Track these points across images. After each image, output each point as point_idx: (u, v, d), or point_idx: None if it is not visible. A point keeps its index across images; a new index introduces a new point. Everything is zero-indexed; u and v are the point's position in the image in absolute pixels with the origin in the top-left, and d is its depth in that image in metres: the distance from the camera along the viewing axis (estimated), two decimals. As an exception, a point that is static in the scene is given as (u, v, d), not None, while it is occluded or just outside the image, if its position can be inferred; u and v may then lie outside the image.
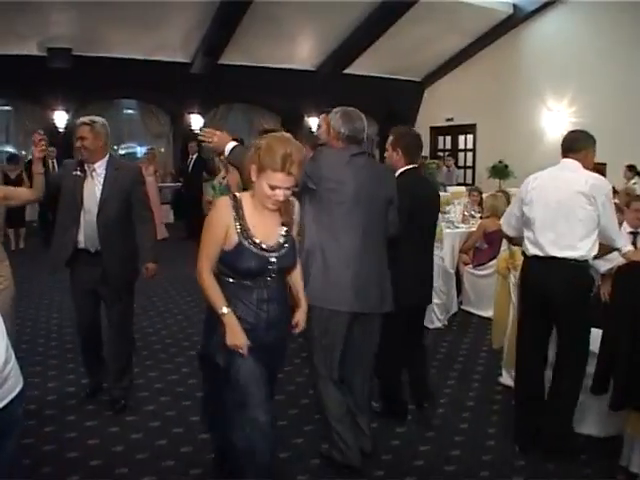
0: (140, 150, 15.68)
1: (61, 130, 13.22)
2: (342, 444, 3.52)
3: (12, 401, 2.03)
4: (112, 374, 4.42)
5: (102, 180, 4.14)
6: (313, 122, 14.14)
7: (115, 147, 15.70)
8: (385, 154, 4.22)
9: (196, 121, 14.55)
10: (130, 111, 15.68)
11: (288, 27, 12.43)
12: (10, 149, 14.46)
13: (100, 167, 4.15)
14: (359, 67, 14.45)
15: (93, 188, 4.11)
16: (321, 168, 3.44)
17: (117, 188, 4.13)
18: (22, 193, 4.35)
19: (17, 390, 2.07)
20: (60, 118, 13.32)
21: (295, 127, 12.40)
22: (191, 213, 12.54)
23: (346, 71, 14.59)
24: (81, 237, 4.13)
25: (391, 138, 4.14)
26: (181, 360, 5.42)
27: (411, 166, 4.04)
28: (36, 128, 13.46)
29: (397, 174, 3.98)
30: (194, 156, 12.73)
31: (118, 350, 4.38)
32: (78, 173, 4.11)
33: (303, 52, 14.01)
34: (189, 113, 14.49)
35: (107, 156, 4.21)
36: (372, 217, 3.52)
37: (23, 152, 13.62)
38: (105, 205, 4.10)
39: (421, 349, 4.42)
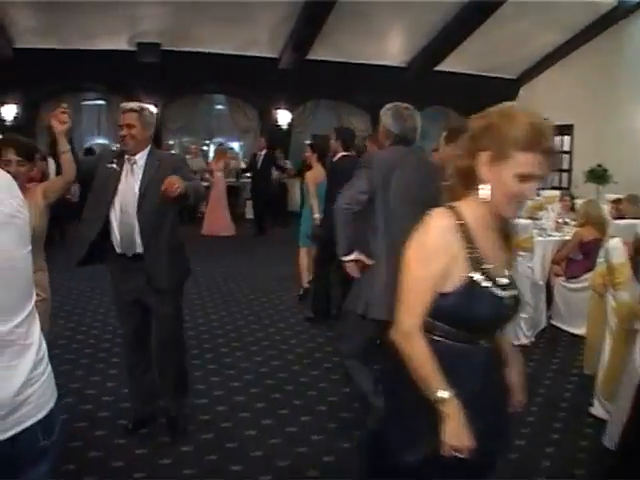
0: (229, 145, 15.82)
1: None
2: None
3: (31, 428, 1.77)
4: (165, 392, 3.99)
5: (141, 173, 3.66)
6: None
7: (207, 141, 16.03)
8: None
9: (283, 117, 14.51)
10: (219, 106, 15.83)
11: (377, 23, 12.10)
12: (101, 141, 14.95)
13: (141, 159, 3.68)
14: (451, 64, 13.95)
15: (132, 184, 3.64)
16: (378, 173, 3.48)
17: (158, 180, 3.52)
18: (56, 181, 3.76)
19: (39, 416, 1.80)
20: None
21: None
22: (260, 209, 12.62)
23: (437, 68, 14.13)
24: (116, 240, 3.68)
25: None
26: (246, 366, 5.19)
27: None
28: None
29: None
30: (262, 152, 12.58)
31: (169, 363, 3.92)
32: (114, 166, 3.66)
33: (393, 48, 13.66)
34: (276, 109, 14.41)
35: (148, 147, 3.74)
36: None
37: (116, 146, 13.95)
38: (145, 201, 3.60)
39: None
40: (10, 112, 12.95)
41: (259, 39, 12.91)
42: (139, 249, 3.66)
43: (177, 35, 12.34)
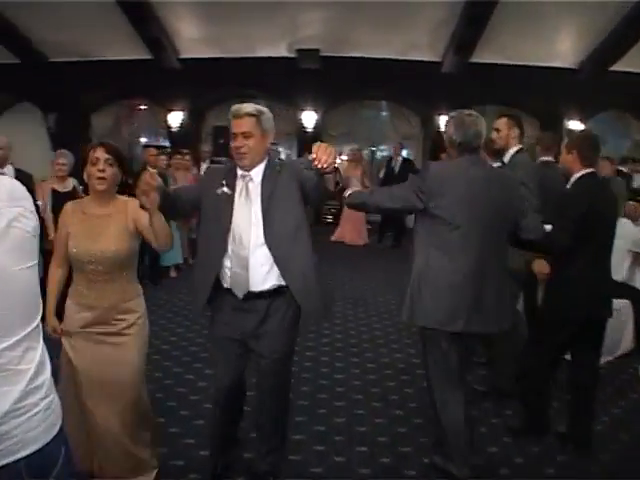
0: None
1: (309, 130, 14.44)
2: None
3: (11, 466, 1.67)
4: (259, 445, 3.70)
5: (260, 191, 3.34)
6: (574, 125, 13.75)
7: (373, 148, 16.60)
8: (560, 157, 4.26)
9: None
10: (380, 112, 16.36)
11: (543, 22, 11.83)
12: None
13: (258, 175, 3.36)
14: (627, 63, 13.60)
15: (248, 207, 3.34)
16: (431, 184, 3.50)
17: (280, 195, 3.29)
18: (147, 228, 3.33)
19: (23, 453, 1.69)
20: (309, 118, 14.42)
21: (554, 131, 12.10)
22: (396, 220, 12.79)
23: (613, 68, 13.87)
24: (225, 276, 3.39)
25: (566, 140, 4.17)
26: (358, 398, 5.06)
27: (588, 170, 3.96)
28: (288, 129, 15.16)
29: (573, 179, 4.00)
30: (399, 158, 12.91)
31: (272, 419, 3.62)
32: (225, 190, 3.36)
33: (562, 48, 13.27)
34: (439, 114, 14.45)
35: (266, 159, 3.39)
36: (492, 228, 3.54)
37: (223, 160, 15.21)
38: (270, 223, 3.29)
39: (591, 372, 4.14)
40: (176, 119, 14.54)
41: (419, 42, 13.22)
42: (253, 287, 3.35)
43: (337, 40, 13.03)
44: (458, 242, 3.50)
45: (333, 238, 12.75)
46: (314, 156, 2.92)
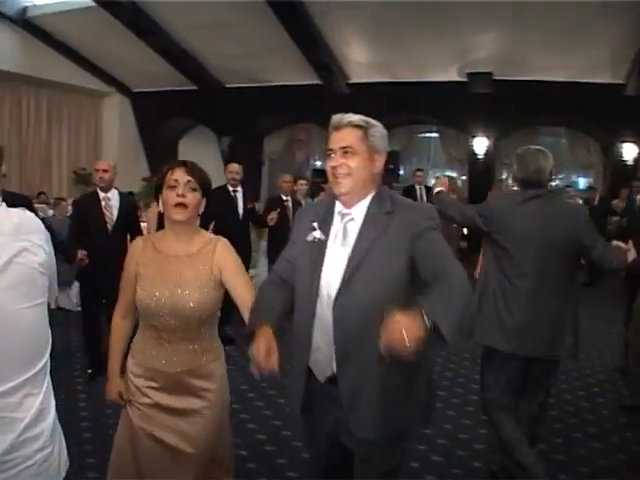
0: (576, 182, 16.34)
1: (480, 157, 14.97)
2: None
3: None
4: None
5: (357, 235, 2.65)
6: None
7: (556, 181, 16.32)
8: None
9: (630, 151, 14.29)
10: (557, 139, 16.41)
11: None
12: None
13: (360, 212, 2.69)
14: None
15: (344, 257, 2.64)
16: (491, 211, 4.02)
17: (384, 248, 2.57)
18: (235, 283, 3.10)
19: None
20: (480, 145, 14.92)
21: None
22: None
23: None
24: (312, 350, 2.73)
25: None
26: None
27: None
28: (459, 155, 15.95)
29: None
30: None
31: None
32: (316, 235, 2.72)
33: None
34: (622, 142, 14.32)
35: (374, 191, 2.73)
36: (547, 261, 3.89)
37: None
38: (353, 284, 2.59)
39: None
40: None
41: (599, 64, 13.10)
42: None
43: (509, 63, 13.29)
44: (513, 269, 3.94)
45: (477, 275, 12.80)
46: (385, 343, 2.19)
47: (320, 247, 2.76)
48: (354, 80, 14.93)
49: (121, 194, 6.58)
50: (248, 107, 15.49)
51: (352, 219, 2.74)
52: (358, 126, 2.71)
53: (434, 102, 14.34)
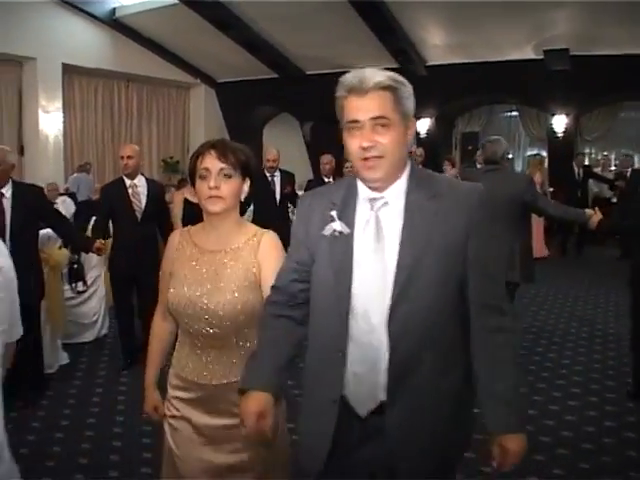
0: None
1: (559, 135, 15.10)
2: None
3: None
4: None
5: (401, 226, 2.15)
6: None
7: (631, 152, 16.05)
8: None
9: None
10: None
11: None
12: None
13: (399, 198, 2.19)
14: None
15: (380, 254, 2.17)
16: (464, 178, 5.76)
17: (439, 241, 2.13)
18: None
19: None
20: (559, 123, 15.01)
21: None
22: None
23: None
24: (346, 382, 2.26)
25: None
26: None
27: None
28: (539, 133, 16.05)
29: None
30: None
31: None
32: (337, 227, 2.20)
33: None
34: None
35: (407, 169, 2.24)
36: (500, 212, 5.33)
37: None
38: (408, 293, 2.13)
39: None
40: (424, 126, 16.14)
41: None
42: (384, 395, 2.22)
43: (587, 38, 13.25)
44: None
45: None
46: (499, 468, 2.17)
47: (345, 243, 2.20)
48: (431, 63, 15.24)
49: (148, 181, 6.51)
50: (329, 93, 15.82)
51: (386, 203, 2.19)
52: (388, 87, 2.10)
53: (512, 81, 14.47)
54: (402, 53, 14.67)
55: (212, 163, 2.57)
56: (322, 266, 2.27)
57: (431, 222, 2.14)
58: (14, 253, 4.81)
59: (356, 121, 2.10)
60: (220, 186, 2.57)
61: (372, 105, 2.09)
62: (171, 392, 2.82)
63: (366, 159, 2.11)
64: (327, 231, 2.24)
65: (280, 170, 8.41)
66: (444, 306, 2.17)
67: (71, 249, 6.32)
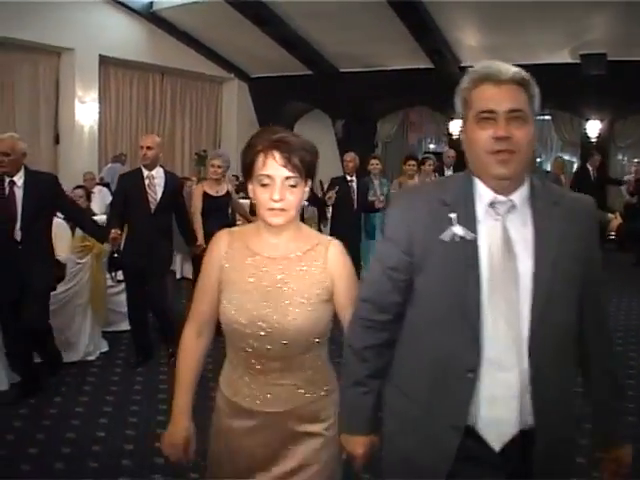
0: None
1: (592, 140, 14.98)
2: None
3: None
4: None
5: (532, 234, 2.01)
6: None
7: None
8: None
9: None
10: None
11: None
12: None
13: (523, 202, 2.03)
14: None
15: (512, 266, 1.99)
16: None
17: (567, 251, 2.01)
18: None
19: None
20: (593, 128, 14.96)
21: None
22: None
23: None
24: (474, 412, 2.02)
25: None
26: None
27: None
28: (572, 138, 16.01)
29: None
30: None
31: None
32: (458, 232, 1.98)
33: None
34: None
35: (528, 176, 2.07)
36: None
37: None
38: (557, 300, 1.99)
39: None
40: (457, 126, 16.01)
41: None
42: (522, 424, 2.02)
43: (625, 43, 13.20)
44: None
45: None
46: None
47: (469, 250, 1.97)
48: (466, 63, 15.22)
49: (167, 173, 6.41)
50: (362, 91, 16.06)
51: (513, 207, 2.00)
52: (523, 81, 2.01)
53: (546, 85, 13.86)
54: (437, 53, 14.72)
55: (276, 170, 2.23)
56: (436, 275, 2.01)
57: (561, 229, 1.99)
58: (25, 242, 5.17)
59: (491, 111, 1.94)
60: (285, 197, 2.24)
61: (509, 96, 1.96)
62: (225, 420, 2.46)
63: (498, 152, 1.93)
64: (446, 236, 1.98)
65: None
66: (575, 318, 2.05)
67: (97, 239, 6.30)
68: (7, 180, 5.17)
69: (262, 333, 2.28)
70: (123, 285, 7.15)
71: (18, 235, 5.15)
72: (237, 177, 12.80)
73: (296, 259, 2.35)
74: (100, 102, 15.58)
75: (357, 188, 8.66)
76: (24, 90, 14.71)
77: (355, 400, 2.19)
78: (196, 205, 6.98)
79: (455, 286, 1.97)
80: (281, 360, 2.33)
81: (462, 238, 1.97)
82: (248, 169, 2.32)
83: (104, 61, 15.47)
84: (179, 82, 18.14)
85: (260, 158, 2.26)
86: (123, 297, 7.13)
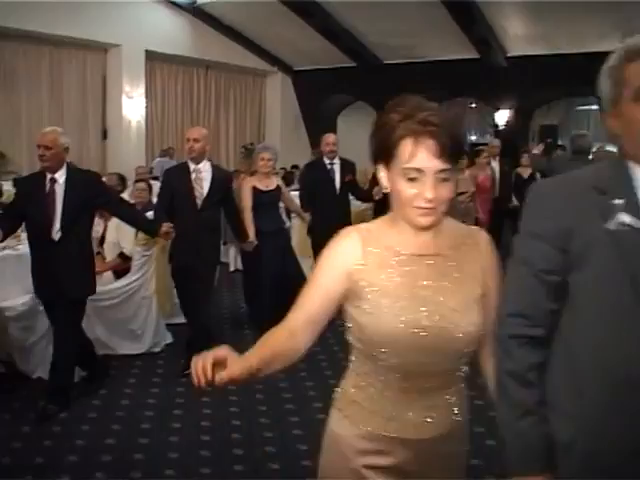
0: None
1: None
2: None
3: None
4: None
5: None
6: None
7: None
8: None
9: None
10: None
11: None
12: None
13: None
14: None
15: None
16: None
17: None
18: None
19: None
20: None
21: None
22: None
23: None
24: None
25: None
26: None
27: None
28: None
29: None
30: None
31: None
32: (628, 221, 1.70)
33: None
34: None
35: None
36: None
37: None
38: None
39: None
40: (503, 117, 16.02)
41: None
42: None
43: None
44: None
45: None
46: None
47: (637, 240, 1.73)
48: (512, 53, 15.11)
49: (214, 167, 6.12)
50: (405, 82, 15.90)
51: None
52: None
53: (594, 73, 14.14)
54: (483, 43, 14.66)
55: (428, 163, 1.81)
56: (603, 269, 1.74)
57: None
58: (63, 243, 4.95)
59: None
60: (437, 194, 1.83)
61: None
62: (358, 461, 2.02)
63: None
64: (613, 225, 1.72)
65: (340, 158, 7.79)
66: None
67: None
68: (48, 177, 4.98)
69: (417, 346, 1.89)
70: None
71: (56, 235, 4.94)
72: (284, 169, 12.72)
73: (452, 254, 1.98)
74: (147, 97, 15.81)
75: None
76: (72, 86, 15.01)
77: (530, 433, 1.81)
78: (246, 201, 6.77)
79: (627, 282, 1.70)
80: (440, 375, 1.97)
81: (630, 226, 1.71)
82: (385, 154, 1.89)
83: (150, 56, 15.69)
84: (223, 76, 18.31)
85: (406, 146, 1.82)
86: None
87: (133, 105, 15.34)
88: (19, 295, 5.73)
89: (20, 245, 6.27)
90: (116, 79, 15.21)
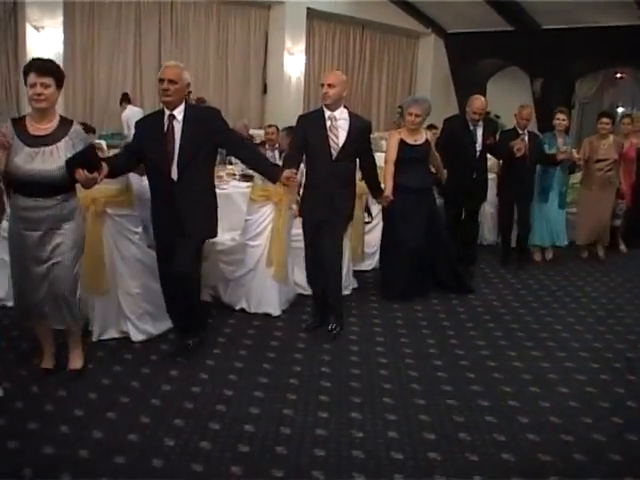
0: None
1: None
2: None
3: None
4: None
5: None
6: None
7: None
8: None
9: None
10: None
11: None
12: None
13: None
14: None
15: None
16: None
17: None
18: None
19: None
20: None
21: None
22: None
23: None
24: None
25: None
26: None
27: None
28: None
29: None
30: None
31: None
32: None
33: None
34: None
35: None
36: None
37: None
38: None
39: None
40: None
41: None
42: None
43: None
44: None
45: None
46: None
47: None
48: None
49: (352, 115, 5.66)
50: (563, 49, 15.67)
51: None
52: None
53: None
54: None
55: None
56: None
57: None
58: (182, 181, 4.87)
59: None
60: None
61: None
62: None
63: None
64: None
65: (484, 119, 7.58)
66: None
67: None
68: (167, 114, 4.87)
69: None
70: (369, 227, 7.49)
71: (175, 174, 4.82)
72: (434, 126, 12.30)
73: None
74: (306, 54, 16.29)
75: (528, 142, 7.94)
76: (236, 43, 15.78)
77: None
78: (390, 154, 6.48)
79: None
80: None
81: None
82: None
83: (310, 14, 16.16)
84: (378, 36, 18.65)
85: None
86: (369, 238, 7.55)
87: (293, 61, 15.89)
88: (226, 232, 6.14)
89: (225, 185, 6.64)
90: (278, 36, 15.79)
